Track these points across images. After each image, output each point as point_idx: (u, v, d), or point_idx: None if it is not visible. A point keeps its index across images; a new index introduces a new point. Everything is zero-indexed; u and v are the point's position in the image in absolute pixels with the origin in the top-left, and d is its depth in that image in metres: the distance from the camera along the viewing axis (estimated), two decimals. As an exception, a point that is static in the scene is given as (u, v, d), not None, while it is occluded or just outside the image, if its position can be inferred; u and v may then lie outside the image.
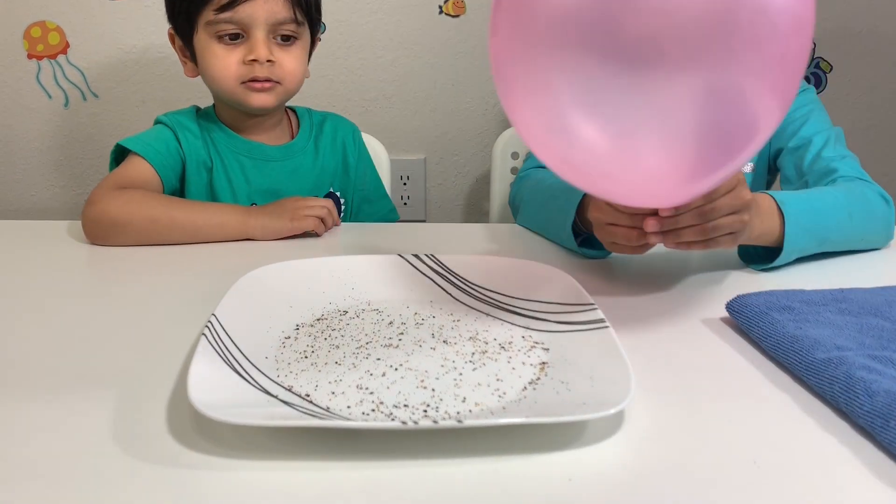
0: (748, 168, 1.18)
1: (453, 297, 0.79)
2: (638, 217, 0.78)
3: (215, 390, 0.57)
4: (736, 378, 0.66)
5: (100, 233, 1.00)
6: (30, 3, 1.69)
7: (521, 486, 0.51)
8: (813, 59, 1.85)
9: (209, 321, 0.65)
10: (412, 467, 0.53)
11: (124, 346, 0.70)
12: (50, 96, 1.76)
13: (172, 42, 1.20)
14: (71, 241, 1.03)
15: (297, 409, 0.56)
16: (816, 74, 1.85)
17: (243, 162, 1.22)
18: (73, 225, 1.09)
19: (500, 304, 0.77)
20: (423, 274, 0.81)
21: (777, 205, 0.88)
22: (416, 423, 0.52)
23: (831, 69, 1.85)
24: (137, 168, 1.10)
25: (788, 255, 0.89)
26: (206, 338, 0.63)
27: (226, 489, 0.50)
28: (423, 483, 0.51)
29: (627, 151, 0.60)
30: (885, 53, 1.85)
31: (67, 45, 1.72)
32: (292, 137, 1.29)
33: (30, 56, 1.72)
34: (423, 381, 0.63)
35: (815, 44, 1.84)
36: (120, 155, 1.14)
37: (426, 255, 0.84)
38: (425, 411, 0.57)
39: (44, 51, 1.72)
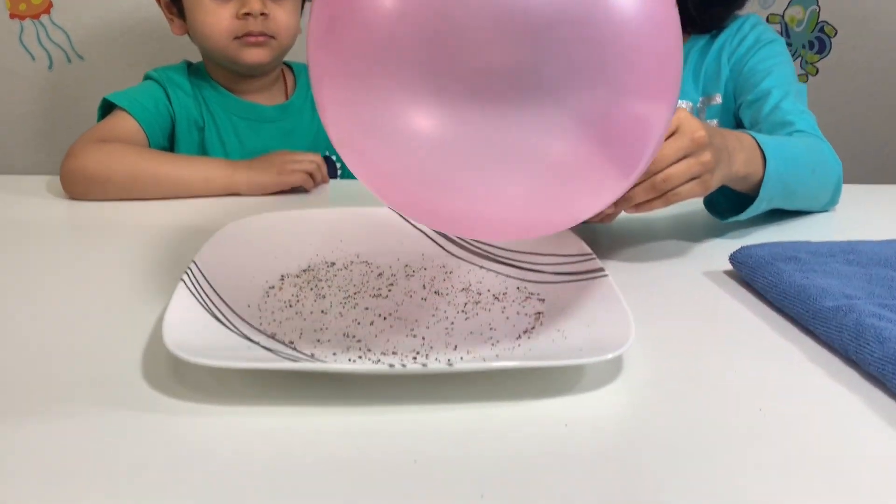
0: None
1: (445, 251, 0.76)
2: None
3: (192, 335, 0.54)
4: (740, 329, 0.63)
5: (78, 188, 0.96)
6: (11, -40, 1.64)
7: (515, 430, 0.48)
8: (817, 23, 1.81)
9: (188, 268, 0.62)
10: (400, 413, 0.50)
11: (101, 298, 0.67)
12: (34, 58, 1.71)
13: (159, 2, 1.16)
14: (49, 196, 0.99)
15: (280, 356, 0.54)
16: (821, 39, 1.82)
17: (236, 122, 1.18)
18: (53, 180, 1.05)
19: (495, 257, 0.74)
20: (415, 227, 0.78)
21: (759, 145, 0.80)
22: (404, 366, 0.49)
23: (836, 34, 1.81)
24: (122, 123, 1.06)
25: (760, 205, 0.81)
26: (185, 283, 0.60)
27: (203, 434, 0.47)
28: (411, 429, 0.48)
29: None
30: (890, 17, 1.81)
31: (51, 5, 1.67)
32: (288, 97, 1.25)
33: (12, 16, 1.67)
34: (412, 329, 0.60)
35: (818, 8, 1.80)
36: (107, 112, 1.10)
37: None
38: (414, 358, 0.55)
39: (26, 10, 1.67)
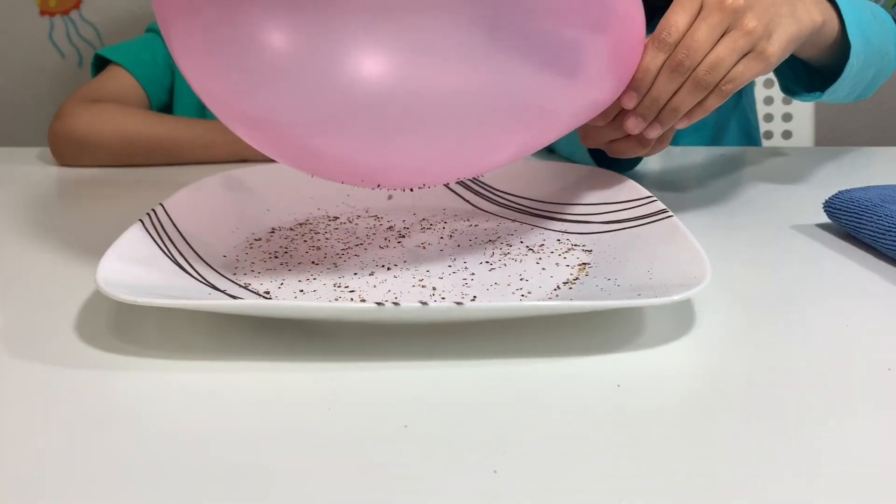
0: None
1: (472, 205, 0.63)
2: (618, 121, 0.57)
3: (137, 276, 0.42)
4: (843, 280, 0.49)
5: (68, 152, 0.86)
6: (41, -45, 1.60)
7: (545, 389, 0.35)
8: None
9: (151, 209, 0.51)
10: (390, 369, 0.37)
11: (53, 258, 0.56)
12: (63, 55, 1.66)
13: None
14: (40, 163, 0.89)
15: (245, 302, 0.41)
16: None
17: None
18: (44, 151, 0.96)
19: (531, 210, 0.61)
20: (437, 180, 0.66)
21: None
22: (396, 304, 0.36)
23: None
24: (117, 80, 0.96)
25: (854, 60, 0.65)
26: (142, 223, 0.48)
27: (146, 392, 0.36)
28: (403, 386, 0.36)
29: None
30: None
31: (80, 0, 1.62)
32: None
33: (42, 12, 1.63)
34: (421, 280, 0.48)
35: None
36: (101, 69, 1.01)
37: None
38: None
39: (56, 6, 1.63)
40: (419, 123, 0.43)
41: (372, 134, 0.43)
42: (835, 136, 1.59)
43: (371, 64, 0.40)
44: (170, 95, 1.03)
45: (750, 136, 1.02)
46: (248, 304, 0.37)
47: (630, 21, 0.50)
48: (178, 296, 0.41)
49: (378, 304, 0.36)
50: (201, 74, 0.45)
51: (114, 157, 0.85)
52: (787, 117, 1.28)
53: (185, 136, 0.86)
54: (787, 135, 1.28)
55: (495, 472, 0.29)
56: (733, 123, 1.00)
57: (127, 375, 0.37)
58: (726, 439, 0.32)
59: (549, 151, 0.84)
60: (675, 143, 0.77)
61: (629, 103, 0.54)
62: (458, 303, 0.36)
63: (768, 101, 1.28)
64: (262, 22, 0.40)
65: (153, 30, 1.05)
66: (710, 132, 0.99)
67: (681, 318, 0.43)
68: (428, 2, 0.39)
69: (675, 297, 0.38)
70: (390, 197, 0.63)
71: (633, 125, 0.55)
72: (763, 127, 1.29)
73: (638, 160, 0.72)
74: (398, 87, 0.41)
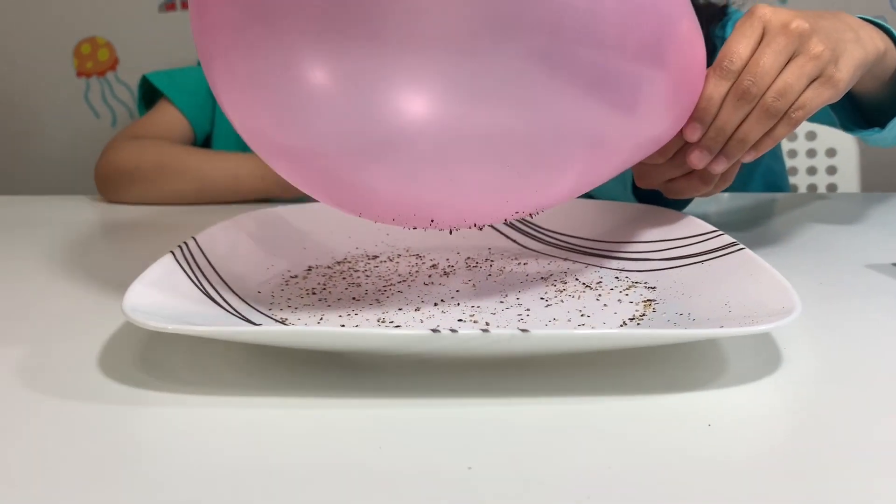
0: None
1: (519, 244, 0.60)
2: (679, 157, 0.53)
3: (165, 305, 0.39)
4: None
5: (109, 184, 0.88)
6: (80, 18, 1.63)
7: (625, 426, 0.31)
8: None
9: (183, 242, 0.48)
10: (456, 406, 0.33)
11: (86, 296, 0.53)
12: (97, 115, 1.67)
13: None
14: (73, 209, 0.87)
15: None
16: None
17: None
18: (78, 199, 0.94)
19: (583, 249, 0.57)
20: (481, 219, 0.62)
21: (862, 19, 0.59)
22: (453, 331, 0.32)
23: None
24: (164, 114, 0.98)
25: None
26: (173, 255, 0.45)
27: (176, 427, 0.32)
28: (464, 424, 0.32)
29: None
30: None
31: (117, 61, 1.65)
32: None
33: (79, 74, 1.65)
34: (472, 315, 0.44)
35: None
36: (147, 91, 1.02)
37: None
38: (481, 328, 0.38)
39: (93, 68, 1.65)
40: (469, 159, 0.40)
41: (420, 170, 0.40)
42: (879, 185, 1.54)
43: (418, 98, 0.37)
44: (211, 125, 1.03)
45: (777, 185, 0.98)
46: (291, 330, 0.33)
47: (691, 48, 0.46)
48: (209, 325, 0.38)
49: (433, 330, 0.32)
50: (244, 110, 0.42)
51: (148, 186, 0.86)
52: (831, 170, 1.24)
53: (213, 167, 0.85)
54: (832, 187, 1.24)
55: (580, 518, 0.25)
56: (757, 175, 0.96)
57: (156, 410, 0.33)
58: (831, 478, 0.27)
59: (588, 196, 0.81)
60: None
61: (693, 135, 0.50)
62: (524, 330, 0.32)
63: (811, 153, 1.24)
64: (307, 57, 0.37)
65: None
66: (734, 182, 0.95)
67: (766, 356, 0.38)
68: (482, 36, 0.36)
69: (769, 326, 0.34)
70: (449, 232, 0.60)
71: (697, 159, 0.51)
72: (807, 180, 1.25)
73: (687, 203, 0.68)
74: (448, 122, 0.38)
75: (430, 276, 0.52)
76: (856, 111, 0.69)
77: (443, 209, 0.43)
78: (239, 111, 0.42)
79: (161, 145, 0.90)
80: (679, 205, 0.67)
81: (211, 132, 1.03)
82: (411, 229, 0.60)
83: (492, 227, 0.61)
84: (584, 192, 0.48)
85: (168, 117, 0.97)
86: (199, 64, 1.03)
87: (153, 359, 0.39)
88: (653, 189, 0.58)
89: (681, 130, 0.50)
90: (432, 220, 0.44)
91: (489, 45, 0.36)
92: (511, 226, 0.61)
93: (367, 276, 0.52)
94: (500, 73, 0.37)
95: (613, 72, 0.40)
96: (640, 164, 0.56)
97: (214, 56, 0.41)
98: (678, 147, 0.52)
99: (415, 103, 0.37)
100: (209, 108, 1.02)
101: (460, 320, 0.43)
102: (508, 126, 0.39)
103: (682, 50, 0.45)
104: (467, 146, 0.39)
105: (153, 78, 1.00)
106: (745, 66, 0.49)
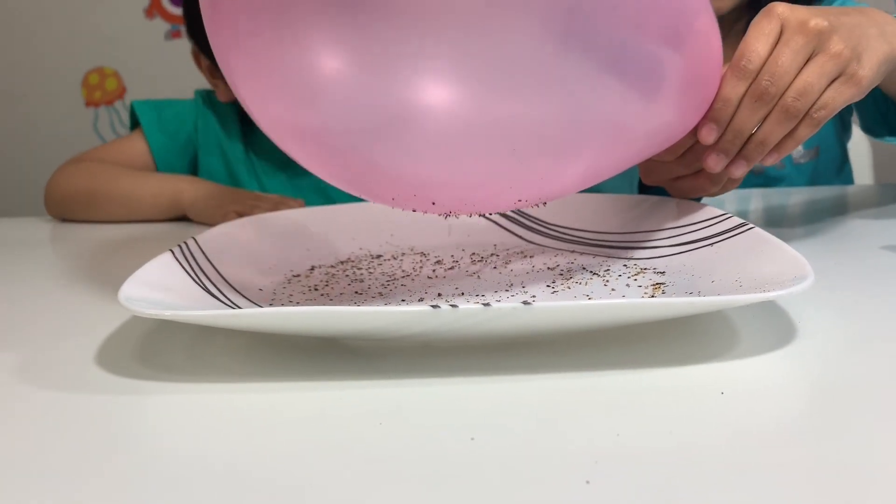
0: None
1: (524, 239, 0.59)
2: (689, 156, 0.52)
3: (163, 297, 0.38)
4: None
5: (51, 206, 0.88)
6: (87, 49, 1.65)
7: (637, 398, 0.30)
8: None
9: (183, 242, 0.47)
10: (457, 384, 0.32)
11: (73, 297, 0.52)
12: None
13: (198, 62, 0.97)
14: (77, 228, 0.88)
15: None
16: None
17: (290, 164, 0.98)
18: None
19: (589, 241, 0.56)
20: (485, 217, 0.61)
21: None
22: (454, 306, 0.32)
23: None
24: (131, 146, 0.94)
25: None
26: (172, 253, 0.45)
27: (176, 415, 0.31)
28: (474, 399, 0.31)
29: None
30: None
31: (124, 90, 1.66)
32: None
33: (88, 104, 1.67)
34: (478, 300, 0.43)
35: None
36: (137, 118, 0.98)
37: (489, 196, 0.64)
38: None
39: (102, 97, 1.67)
40: (476, 142, 0.39)
41: (425, 149, 0.40)
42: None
43: (430, 77, 0.37)
44: (191, 166, 0.99)
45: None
46: (292, 311, 0.32)
47: (707, 42, 0.45)
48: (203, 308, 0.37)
49: (433, 307, 0.31)
50: (259, 96, 0.42)
51: (84, 211, 0.85)
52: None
53: (139, 188, 0.85)
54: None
55: (588, 482, 0.24)
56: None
57: (155, 399, 0.32)
58: (843, 446, 0.26)
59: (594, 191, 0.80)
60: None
61: (709, 137, 0.48)
62: (526, 302, 0.31)
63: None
64: (321, 37, 0.37)
65: (199, 97, 1.00)
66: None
67: (779, 329, 0.37)
68: (497, 13, 0.36)
69: (783, 292, 0.32)
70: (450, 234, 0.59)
71: (713, 162, 0.49)
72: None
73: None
74: (458, 103, 0.37)
75: (434, 271, 0.51)
76: (882, 113, 0.68)
77: (444, 191, 0.42)
78: (255, 98, 0.42)
79: (96, 171, 0.88)
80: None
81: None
82: (416, 229, 0.59)
83: (496, 223, 0.61)
84: (589, 186, 0.47)
85: (135, 150, 0.94)
86: (196, 93, 1.00)
87: (152, 351, 0.38)
88: (659, 187, 0.57)
89: (693, 130, 0.49)
90: (433, 202, 0.43)
91: (504, 21, 0.36)
92: (515, 221, 0.60)
93: (371, 273, 0.51)
94: (514, 51, 0.37)
95: (631, 53, 0.40)
96: (648, 160, 0.55)
97: (230, 46, 0.41)
98: (688, 145, 0.51)
99: (426, 82, 0.37)
100: (184, 157, 0.98)
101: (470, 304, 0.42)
102: (520, 108, 0.38)
103: (699, 42, 0.44)
104: (476, 128, 0.39)
105: (138, 107, 0.97)
106: (763, 66, 0.48)
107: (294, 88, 0.39)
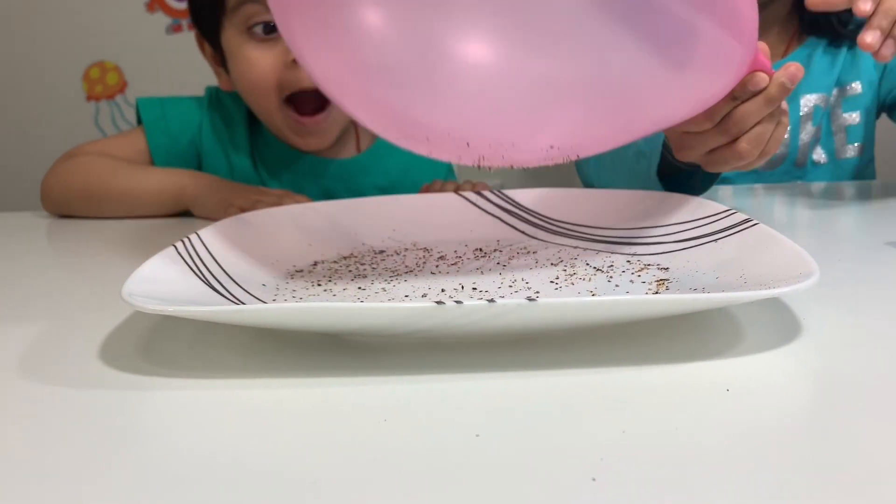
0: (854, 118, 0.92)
1: (527, 235, 0.59)
2: (725, 122, 0.52)
3: (166, 292, 0.38)
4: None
5: (50, 205, 0.86)
6: (88, 43, 1.65)
7: (643, 394, 0.30)
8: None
9: (186, 237, 0.47)
10: (462, 381, 0.32)
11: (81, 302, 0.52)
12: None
13: (202, 49, 0.93)
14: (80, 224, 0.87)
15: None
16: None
17: (296, 179, 0.95)
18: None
19: (592, 236, 0.56)
20: (488, 213, 0.61)
21: None
22: (458, 302, 0.31)
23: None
24: (134, 142, 0.92)
25: None
26: (175, 248, 0.45)
27: (179, 410, 0.31)
28: (478, 396, 0.30)
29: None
30: None
31: (125, 84, 1.66)
32: (359, 150, 1.00)
33: (89, 98, 1.67)
34: (481, 297, 0.43)
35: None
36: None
37: (491, 191, 0.64)
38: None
39: (102, 91, 1.66)
40: (513, 91, 0.41)
41: (462, 98, 0.41)
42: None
43: (471, 37, 0.39)
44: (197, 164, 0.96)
45: None
46: (296, 307, 0.32)
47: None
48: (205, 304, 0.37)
49: (438, 303, 0.31)
50: (316, 55, 0.43)
51: (83, 210, 0.84)
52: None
53: (140, 185, 0.83)
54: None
55: (594, 479, 0.24)
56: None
57: (158, 394, 0.32)
58: (847, 441, 0.26)
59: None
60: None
61: (865, 6, 0.50)
62: (530, 298, 0.31)
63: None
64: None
65: (208, 93, 0.97)
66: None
67: (784, 326, 0.37)
68: None
69: (788, 289, 0.32)
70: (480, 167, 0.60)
71: (871, 38, 0.51)
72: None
73: (707, 187, 0.67)
74: (493, 53, 0.39)
75: (437, 265, 0.51)
76: None
77: (478, 134, 0.43)
78: (312, 57, 0.44)
79: (93, 167, 0.86)
80: (695, 191, 0.66)
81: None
82: (418, 224, 0.59)
83: (499, 218, 0.60)
84: (625, 143, 0.47)
85: (134, 147, 0.92)
86: (206, 91, 0.97)
87: (155, 347, 0.38)
88: (692, 164, 0.57)
89: (730, 94, 0.49)
90: (468, 143, 0.43)
91: None
92: (518, 217, 0.60)
93: (374, 268, 0.51)
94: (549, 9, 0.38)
95: (662, 12, 0.41)
96: (684, 133, 0.55)
97: (290, 10, 0.43)
98: (726, 111, 0.51)
99: (461, 36, 0.39)
100: (185, 159, 0.94)
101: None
102: (554, 64, 0.40)
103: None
104: (510, 81, 0.40)
105: (142, 105, 0.94)
106: None
107: (344, 44, 0.41)
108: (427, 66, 0.40)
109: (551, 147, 0.44)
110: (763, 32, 0.92)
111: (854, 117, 0.91)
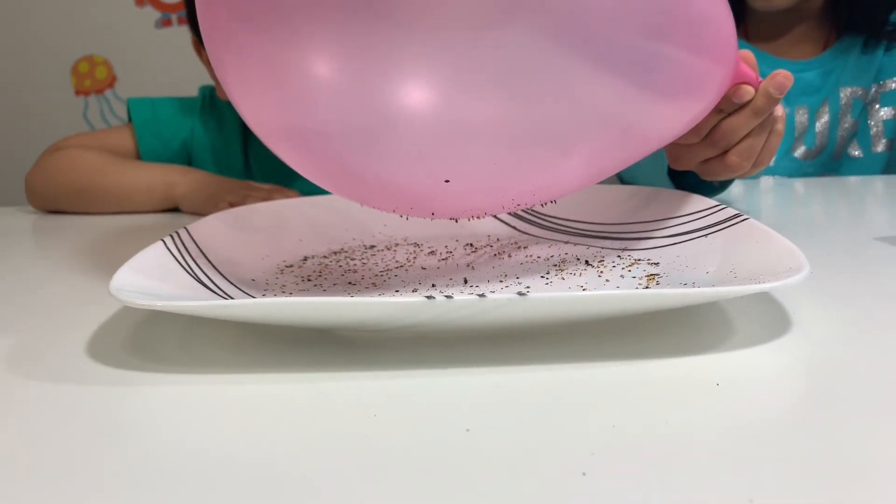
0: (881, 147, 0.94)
1: (518, 230, 0.59)
2: (713, 136, 0.52)
3: (154, 288, 0.38)
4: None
5: (36, 201, 0.85)
6: (77, 37, 1.63)
7: (633, 389, 0.30)
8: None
9: (175, 232, 0.47)
10: (452, 376, 0.32)
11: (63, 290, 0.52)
12: (96, 133, 1.68)
13: (199, 54, 0.92)
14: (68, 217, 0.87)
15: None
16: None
17: (288, 185, 0.93)
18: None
19: (583, 232, 0.56)
20: (479, 208, 0.61)
21: None
22: (448, 297, 0.31)
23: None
24: (123, 139, 0.91)
25: None
26: (164, 243, 0.44)
27: (168, 405, 0.31)
28: (469, 391, 0.30)
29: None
30: None
31: (115, 79, 1.65)
32: None
33: (77, 92, 1.66)
34: (472, 292, 0.43)
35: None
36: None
37: (482, 187, 0.63)
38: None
39: (91, 86, 1.65)
40: (470, 146, 0.38)
41: (418, 156, 0.39)
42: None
43: (421, 81, 0.36)
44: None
45: None
46: (286, 302, 0.32)
47: (714, 24, 0.44)
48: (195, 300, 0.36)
49: (428, 297, 0.31)
50: (251, 97, 0.40)
51: (72, 207, 0.83)
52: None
53: (130, 180, 0.83)
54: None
55: (584, 474, 0.24)
56: None
57: (147, 390, 0.32)
58: (839, 435, 0.26)
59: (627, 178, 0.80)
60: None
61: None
62: (521, 293, 0.31)
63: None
64: (314, 39, 0.36)
65: (203, 95, 0.97)
66: None
67: (774, 321, 0.37)
68: (491, 15, 0.35)
69: (778, 283, 0.32)
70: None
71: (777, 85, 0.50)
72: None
73: (725, 186, 0.66)
74: (448, 107, 0.36)
75: (427, 261, 0.51)
76: None
77: (441, 199, 0.42)
78: (246, 98, 0.41)
79: (81, 162, 0.85)
80: (712, 189, 0.65)
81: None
82: (409, 219, 0.59)
83: (491, 216, 0.60)
84: (596, 182, 0.46)
85: (122, 144, 0.92)
86: (200, 91, 0.97)
87: (143, 342, 0.37)
88: (689, 170, 0.57)
89: (716, 109, 0.49)
90: (433, 213, 0.42)
91: (499, 23, 0.35)
92: (510, 214, 0.60)
93: (364, 263, 0.51)
94: (508, 53, 0.36)
95: (627, 47, 0.39)
96: (674, 145, 0.55)
97: (224, 48, 0.40)
98: (711, 125, 0.51)
99: (417, 86, 0.36)
100: (175, 161, 0.94)
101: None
102: (514, 114, 0.38)
103: (700, 28, 0.43)
104: (468, 132, 0.38)
105: (133, 105, 0.93)
106: None
107: (285, 90, 0.38)
108: (373, 120, 0.37)
109: (517, 204, 0.44)
110: (799, 27, 0.92)
111: (890, 112, 0.93)
